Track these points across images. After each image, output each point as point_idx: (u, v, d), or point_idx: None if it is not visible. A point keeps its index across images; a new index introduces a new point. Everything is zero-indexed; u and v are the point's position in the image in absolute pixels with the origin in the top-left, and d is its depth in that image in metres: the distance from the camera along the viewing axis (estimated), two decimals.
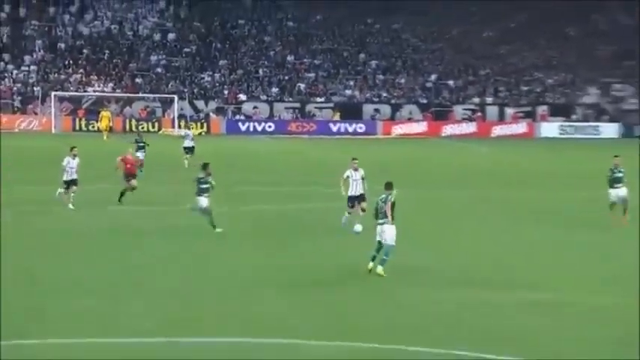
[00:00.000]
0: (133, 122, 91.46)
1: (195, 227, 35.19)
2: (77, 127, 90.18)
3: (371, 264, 25.43)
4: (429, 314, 23.15)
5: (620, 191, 34.47)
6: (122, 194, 38.31)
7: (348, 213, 33.84)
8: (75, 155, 40.38)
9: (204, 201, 33.20)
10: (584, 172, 62.43)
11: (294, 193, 48.75)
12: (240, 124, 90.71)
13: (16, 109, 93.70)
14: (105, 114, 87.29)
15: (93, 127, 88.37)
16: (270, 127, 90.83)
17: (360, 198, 33.79)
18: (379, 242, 25.78)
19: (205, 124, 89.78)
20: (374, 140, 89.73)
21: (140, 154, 52.75)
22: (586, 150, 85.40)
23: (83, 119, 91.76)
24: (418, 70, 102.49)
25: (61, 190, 39.58)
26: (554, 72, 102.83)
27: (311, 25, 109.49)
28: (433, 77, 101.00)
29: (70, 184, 39.34)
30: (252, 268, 28.07)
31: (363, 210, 33.19)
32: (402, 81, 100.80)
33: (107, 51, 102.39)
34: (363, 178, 34.57)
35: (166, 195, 46.97)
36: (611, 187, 34.73)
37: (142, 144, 54.91)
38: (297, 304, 24.61)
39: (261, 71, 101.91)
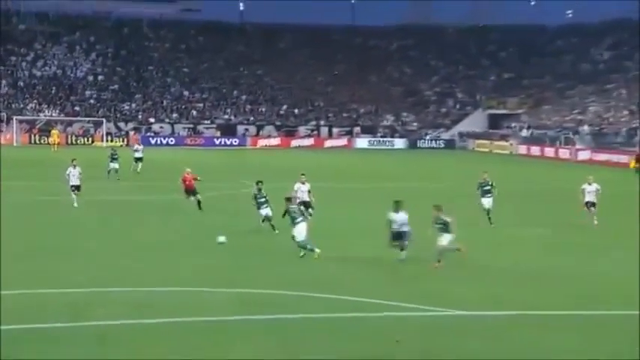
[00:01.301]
0: (73, 138, 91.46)
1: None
2: (32, 142, 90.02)
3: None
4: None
5: (489, 201, 32.81)
6: (199, 203, 34.31)
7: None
8: (75, 165, 38.38)
9: (265, 211, 30.50)
10: (380, 171, 64.79)
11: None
12: (150, 139, 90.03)
13: None
14: (54, 132, 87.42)
15: (44, 141, 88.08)
16: (171, 141, 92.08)
17: (307, 204, 31.73)
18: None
19: (125, 139, 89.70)
20: (245, 150, 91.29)
21: (115, 164, 51.02)
22: (384, 156, 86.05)
23: (37, 135, 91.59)
24: (274, 102, 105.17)
25: (73, 195, 37.09)
26: (364, 105, 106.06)
27: (200, 70, 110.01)
28: (284, 107, 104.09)
29: (75, 188, 37.32)
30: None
31: (310, 215, 30.83)
32: (264, 109, 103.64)
33: (54, 87, 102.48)
34: (309, 191, 32.80)
35: (132, 187, 48.00)
36: (482, 196, 33.26)
37: (115, 156, 52.09)
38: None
39: (164, 102, 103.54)
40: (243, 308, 19.09)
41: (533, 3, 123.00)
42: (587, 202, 32.22)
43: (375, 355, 15.26)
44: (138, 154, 57.83)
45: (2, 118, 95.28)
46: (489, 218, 32.86)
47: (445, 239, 23.26)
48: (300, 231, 24.67)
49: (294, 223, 24.54)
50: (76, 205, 36.74)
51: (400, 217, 24.27)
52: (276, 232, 29.29)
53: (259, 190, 30.59)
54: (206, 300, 20.00)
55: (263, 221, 30.40)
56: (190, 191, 34.56)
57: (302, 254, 24.72)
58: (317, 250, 24.31)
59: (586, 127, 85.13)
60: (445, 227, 23.43)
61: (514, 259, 26.23)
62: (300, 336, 16.78)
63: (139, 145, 62.72)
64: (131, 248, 26.15)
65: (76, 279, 21.44)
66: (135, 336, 16.64)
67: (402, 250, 24.05)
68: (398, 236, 24.07)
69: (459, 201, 40.03)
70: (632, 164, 60.95)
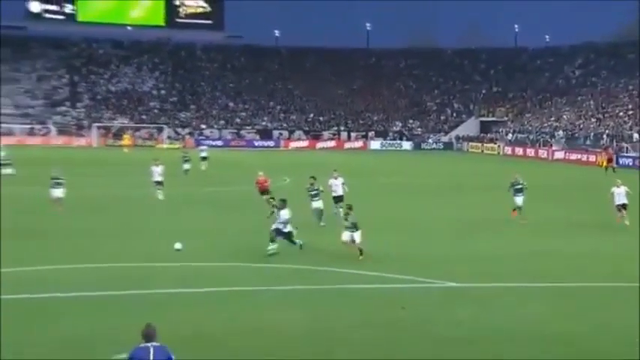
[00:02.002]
0: (141, 141, 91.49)
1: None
2: (108, 144, 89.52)
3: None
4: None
5: (521, 199, 29.66)
6: (269, 202, 29.39)
7: (337, 209, 28.88)
8: (158, 164, 36.50)
9: (317, 204, 28.38)
10: (390, 168, 64.00)
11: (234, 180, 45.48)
12: (202, 141, 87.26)
13: (73, 133, 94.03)
14: (125, 136, 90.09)
15: (117, 144, 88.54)
16: (219, 143, 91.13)
17: (339, 198, 29.54)
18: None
19: (182, 142, 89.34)
20: (279, 151, 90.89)
21: (187, 165, 49.65)
22: (393, 155, 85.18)
23: (111, 139, 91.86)
24: (303, 111, 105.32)
25: (158, 191, 35.59)
26: (377, 113, 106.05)
27: (242, 85, 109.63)
28: (311, 115, 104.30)
29: (158, 183, 35.69)
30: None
31: (340, 207, 28.03)
32: (294, 117, 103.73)
33: (125, 99, 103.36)
34: (343, 183, 30.55)
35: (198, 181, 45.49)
36: (515, 195, 30.07)
37: (187, 158, 50.61)
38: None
39: (214, 111, 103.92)
40: (274, 280, 18.87)
41: (517, 29, 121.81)
42: (618, 205, 28.46)
43: (386, 319, 15.15)
44: (203, 154, 56.81)
45: (84, 125, 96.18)
46: (518, 212, 29.65)
47: (346, 236, 21.48)
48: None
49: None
50: (161, 197, 35.27)
51: (283, 214, 21.95)
52: (322, 224, 27.54)
53: (312, 184, 28.78)
54: (242, 273, 19.88)
55: (315, 212, 28.10)
56: (264, 191, 32.28)
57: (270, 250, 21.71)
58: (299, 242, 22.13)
59: (560, 132, 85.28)
60: (353, 226, 21.55)
61: (502, 241, 25.76)
62: (319, 303, 16.76)
63: (204, 146, 63.03)
64: (191, 231, 25.20)
65: (143, 255, 21.57)
66: (182, 302, 16.79)
67: (272, 241, 21.59)
68: (278, 233, 21.80)
69: (451, 192, 42.30)
70: (603, 164, 59.87)
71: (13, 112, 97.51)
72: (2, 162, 46.27)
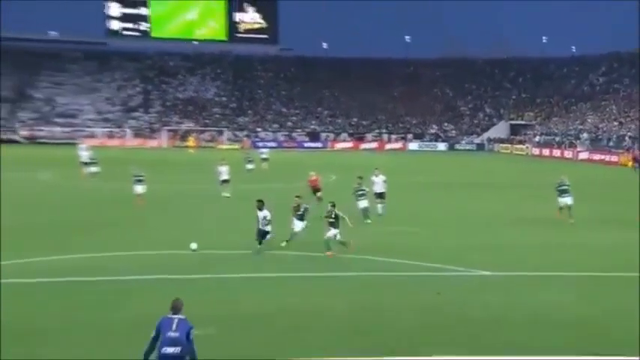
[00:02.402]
0: (204, 142, 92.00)
1: None
2: (175, 145, 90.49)
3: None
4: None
5: (567, 199, 27.55)
6: (319, 199, 28.91)
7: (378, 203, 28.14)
8: (224, 164, 35.93)
9: (363, 204, 26.86)
10: (426, 167, 63.40)
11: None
12: (258, 143, 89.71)
13: (146, 135, 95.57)
14: (190, 138, 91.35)
15: (183, 145, 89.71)
16: (273, 144, 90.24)
17: (380, 195, 28.70)
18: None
19: (240, 143, 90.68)
20: (326, 151, 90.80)
21: (251, 165, 49.41)
22: (429, 156, 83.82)
23: (178, 140, 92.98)
24: (348, 115, 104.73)
25: (224, 188, 34.90)
26: (415, 117, 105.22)
27: (294, 92, 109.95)
28: (355, 119, 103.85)
29: (225, 182, 35.13)
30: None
31: (381, 203, 28.22)
32: (340, 121, 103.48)
33: (191, 106, 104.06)
34: (384, 181, 29.34)
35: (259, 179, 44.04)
36: (559, 196, 27.90)
37: (250, 159, 50.24)
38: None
39: (268, 116, 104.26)
40: (322, 267, 18.96)
41: (544, 40, 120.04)
42: None
43: (422, 304, 15.11)
44: (264, 156, 56.54)
45: (156, 128, 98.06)
46: (567, 211, 27.33)
47: (332, 232, 20.15)
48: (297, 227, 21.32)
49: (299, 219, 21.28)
50: (227, 195, 34.48)
51: (262, 214, 20.45)
52: (368, 221, 26.26)
53: (359, 184, 27.56)
54: (293, 260, 19.76)
55: (362, 211, 26.52)
56: (315, 189, 30.93)
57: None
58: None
59: (585, 135, 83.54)
60: (335, 222, 20.30)
61: (530, 234, 25.20)
62: (360, 289, 16.72)
63: (265, 149, 62.93)
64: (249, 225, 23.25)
65: (209, 243, 21.31)
66: (240, 284, 17.01)
67: (260, 244, 20.35)
68: (260, 234, 20.38)
69: (482, 189, 41.86)
70: (630, 164, 59.46)
71: (95, 118, 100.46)
72: (90, 161, 46.86)
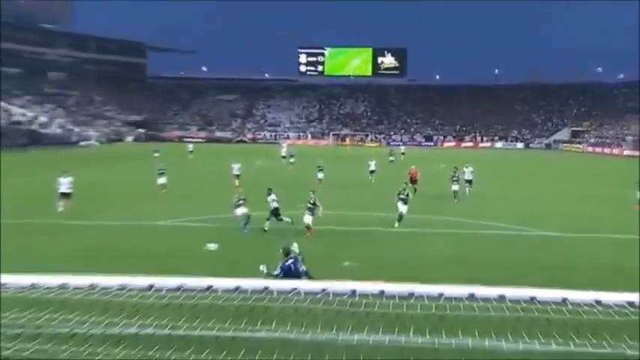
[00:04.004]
0: (356, 142, 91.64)
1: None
2: (338, 144, 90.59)
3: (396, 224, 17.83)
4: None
5: None
6: (414, 190, 24.23)
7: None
8: (372, 159, 33.26)
9: (455, 186, 24.05)
10: (507, 160, 57.86)
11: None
12: (391, 142, 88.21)
13: (320, 137, 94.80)
14: (348, 139, 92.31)
15: (342, 143, 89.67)
16: (401, 144, 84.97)
17: (469, 182, 25.99)
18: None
19: (379, 143, 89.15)
20: (436, 149, 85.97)
21: (391, 157, 46.48)
22: (510, 152, 75.56)
23: (340, 141, 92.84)
24: (452, 124, 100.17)
25: (370, 177, 31.83)
26: (501, 125, 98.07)
27: (415, 109, 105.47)
28: (457, 126, 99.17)
29: (371, 172, 32.40)
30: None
31: (470, 188, 25.27)
32: (447, 127, 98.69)
33: (348, 119, 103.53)
34: (472, 171, 26.38)
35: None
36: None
37: (392, 153, 47.69)
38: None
39: (398, 124, 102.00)
40: (427, 225, 17.79)
41: (599, 70, 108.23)
42: None
43: (505, 255, 13.91)
44: (402, 150, 55.10)
45: (326, 132, 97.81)
46: None
47: (308, 219, 16.63)
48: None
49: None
50: (372, 180, 31.70)
51: (271, 197, 17.40)
52: (455, 201, 23.36)
53: (454, 172, 25.00)
54: (405, 220, 17.86)
55: (453, 193, 23.86)
56: (413, 181, 26.74)
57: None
58: None
59: (629, 137, 74.99)
60: (312, 209, 16.75)
61: (584, 208, 22.60)
62: (459, 242, 15.68)
63: (402, 147, 61.67)
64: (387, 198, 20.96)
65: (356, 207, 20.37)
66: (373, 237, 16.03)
67: (267, 219, 17.23)
68: (273, 212, 17.31)
69: (549, 175, 38.75)
70: None
71: (289, 126, 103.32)
72: (286, 155, 46.46)
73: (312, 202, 16.80)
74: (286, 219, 17.29)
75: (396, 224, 17.73)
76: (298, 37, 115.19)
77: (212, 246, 14.52)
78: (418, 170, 28.26)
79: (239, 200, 17.61)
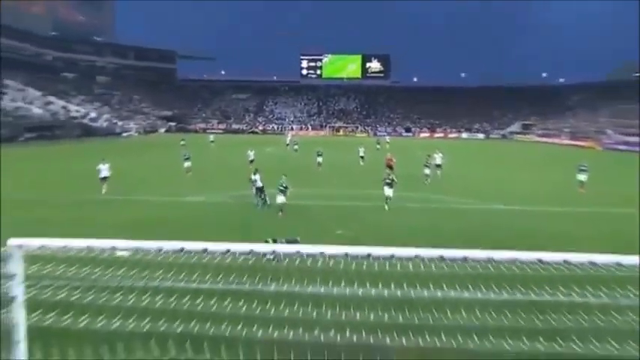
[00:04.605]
0: (347, 132, 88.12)
1: None
2: (333, 134, 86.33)
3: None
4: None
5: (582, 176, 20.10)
6: (388, 175, 18.48)
7: None
8: (362, 148, 31.90)
9: (426, 170, 22.33)
10: (470, 148, 53.46)
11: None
12: (378, 133, 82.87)
13: (330, 128, 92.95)
14: (341, 130, 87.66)
15: (337, 134, 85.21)
16: (385, 134, 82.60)
17: (439, 166, 24.59)
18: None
19: (367, 134, 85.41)
20: (415, 138, 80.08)
21: (378, 146, 43.70)
22: (472, 142, 71.78)
23: (334, 132, 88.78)
24: (427, 119, 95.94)
25: (361, 163, 30.57)
26: (465, 119, 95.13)
27: (398, 106, 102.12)
28: (430, 120, 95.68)
29: (361, 157, 31.16)
30: None
31: (438, 171, 23.82)
32: (423, 121, 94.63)
33: (341, 113, 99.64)
34: (441, 157, 24.68)
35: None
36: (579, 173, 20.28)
37: (379, 141, 45.48)
38: None
39: (383, 119, 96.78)
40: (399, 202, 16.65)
41: (544, 75, 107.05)
42: None
43: (452, 226, 13.30)
44: (387, 140, 50.88)
45: (323, 124, 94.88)
46: None
47: (280, 199, 15.13)
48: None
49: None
50: (362, 164, 30.62)
51: (255, 177, 16.51)
52: (426, 183, 21.75)
53: (427, 158, 23.72)
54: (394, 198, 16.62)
55: (424, 175, 22.24)
56: (389, 166, 24.48)
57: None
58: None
59: (566, 129, 74.73)
60: (284, 190, 15.34)
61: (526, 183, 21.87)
62: (427, 215, 14.89)
63: (388, 137, 58.31)
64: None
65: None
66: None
67: (263, 199, 16.14)
68: (258, 190, 16.25)
69: (502, 158, 37.52)
70: (596, 148, 52.86)
71: (293, 120, 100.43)
72: (293, 143, 43.89)
73: (284, 185, 15.56)
74: (266, 198, 16.20)
75: (386, 207, 16.17)
76: (300, 44, 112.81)
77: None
78: (394, 157, 27.15)
79: (255, 181, 16.94)
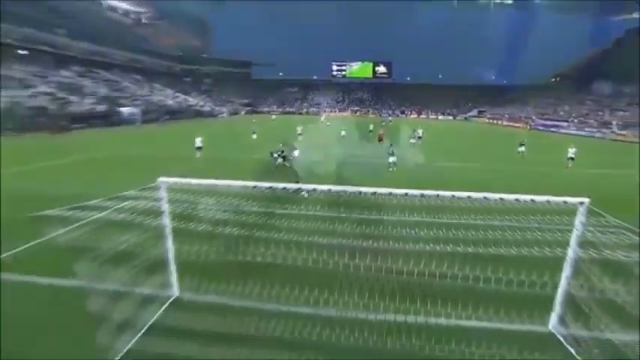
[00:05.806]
0: (363, 115, 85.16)
1: None
2: (353, 115, 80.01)
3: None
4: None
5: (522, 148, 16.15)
6: (380, 141, 19.22)
7: None
8: (371, 125, 28.13)
9: (412, 141, 20.27)
10: (440, 126, 47.88)
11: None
12: (382, 115, 79.13)
13: (336, 111, 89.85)
14: (369, 113, 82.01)
15: (355, 115, 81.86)
16: (387, 115, 77.61)
17: (420, 137, 21.34)
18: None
19: (376, 114, 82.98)
20: (403, 118, 70.91)
21: (371, 126, 30.85)
22: (442, 122, 66.06)
23: (354, 113, 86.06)
24: (409, 105, 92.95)
25: (370, 134, 26.81)
26: (439, 105, 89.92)
27: (394, 96, 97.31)
28: (412, 106, 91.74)
29: (370, 132, 27.49)
30: None
31: (420, 141, 21.43)
32: (406, 107, 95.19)
33: (359, 101, 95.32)
34: (421, 132, 21.83)
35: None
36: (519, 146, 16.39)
37: (390, 120, 39.42)
38: None
39: (386, 105, 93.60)
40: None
41: (493, 77, 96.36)
42: None
43: (426, 177, 12.41)
44: (390, 120, 45.18)
45: (345, 108, 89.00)
46: None
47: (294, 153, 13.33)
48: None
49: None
50: (371, 136, 26.69)
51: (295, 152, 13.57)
52: (412, 150, 19.00)
53: (413, 132, 21.44)
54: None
55: (410, 144, 19.47)
56: (380, 139, 21.10)
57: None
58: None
59: (506, 115, 67.63)
60: (284, 157, 12.48)
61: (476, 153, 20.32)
62: (404, 173, 13.69)
63: (390, 117, 50.81)
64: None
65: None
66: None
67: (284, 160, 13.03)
68: (283, 157, 12.97)
69: (460, 134, 34.57)
70: (528, 127, 48.42)
71: (326, 105, 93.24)
72: (326, 121, 40.35)
73: (280, 152, 13.19)
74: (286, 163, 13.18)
75: (390, 169, 14.43)
76: (331, 55, 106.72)
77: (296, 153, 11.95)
78: (385, 132, 25.37)
79: (295, 149, 15.43)
